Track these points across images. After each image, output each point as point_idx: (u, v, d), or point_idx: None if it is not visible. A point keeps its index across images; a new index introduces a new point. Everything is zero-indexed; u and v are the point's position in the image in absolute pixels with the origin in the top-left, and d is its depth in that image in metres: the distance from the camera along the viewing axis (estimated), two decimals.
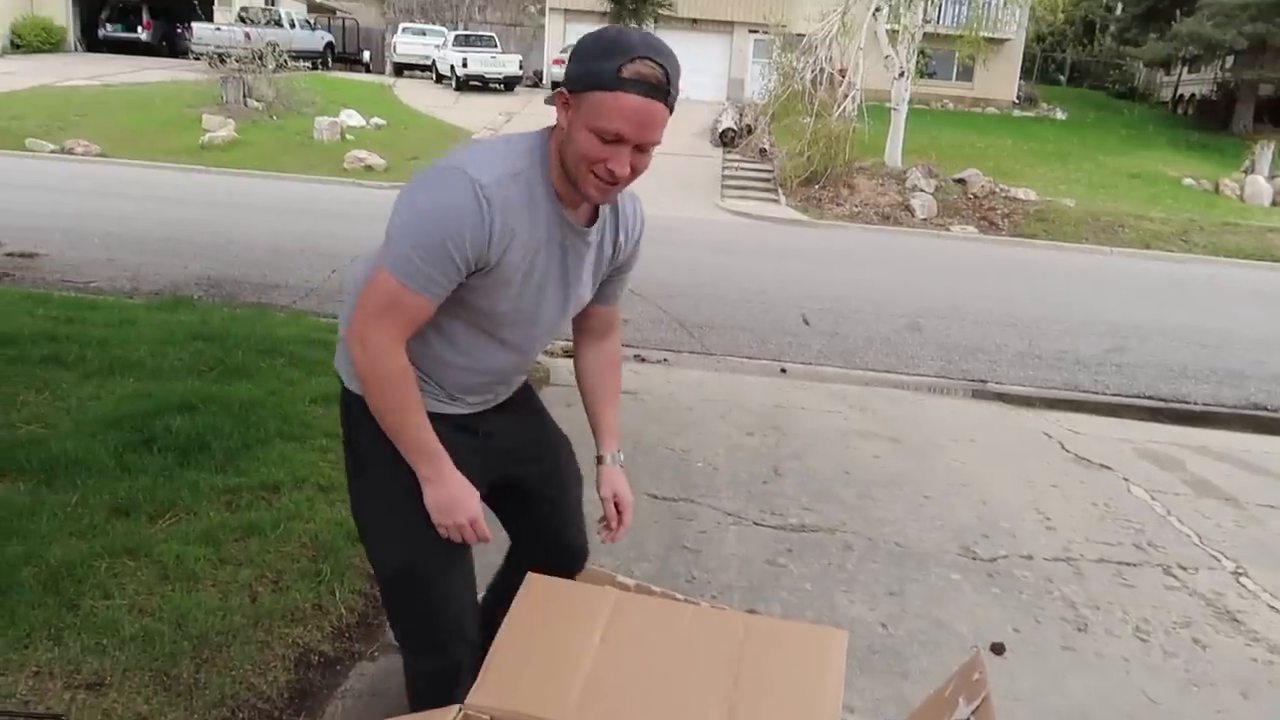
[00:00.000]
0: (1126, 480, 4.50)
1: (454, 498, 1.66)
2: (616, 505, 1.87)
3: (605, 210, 1.67)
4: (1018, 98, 28.22)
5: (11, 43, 26.75)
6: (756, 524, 3.68)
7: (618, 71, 1.41)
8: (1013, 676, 2.78)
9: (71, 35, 28.53)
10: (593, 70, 1.44)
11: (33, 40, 27.05)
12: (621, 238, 1.74)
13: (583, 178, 1.50)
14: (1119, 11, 36.39)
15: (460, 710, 1.42)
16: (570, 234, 1.63)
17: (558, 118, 1.53)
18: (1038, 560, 3.56)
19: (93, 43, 28.78)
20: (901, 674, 2.74)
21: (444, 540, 1.70)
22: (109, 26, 28.71)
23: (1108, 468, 4.65)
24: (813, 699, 1.44)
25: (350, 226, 10.61)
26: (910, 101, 17.83)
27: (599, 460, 1.89)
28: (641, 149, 1.48)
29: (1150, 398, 6.22)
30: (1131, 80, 36.70)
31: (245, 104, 18.87)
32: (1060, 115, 27.19)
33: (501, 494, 1.91)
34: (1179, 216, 15.96)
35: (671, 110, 1.48)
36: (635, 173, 1.51)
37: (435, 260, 1.50)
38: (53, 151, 15.39)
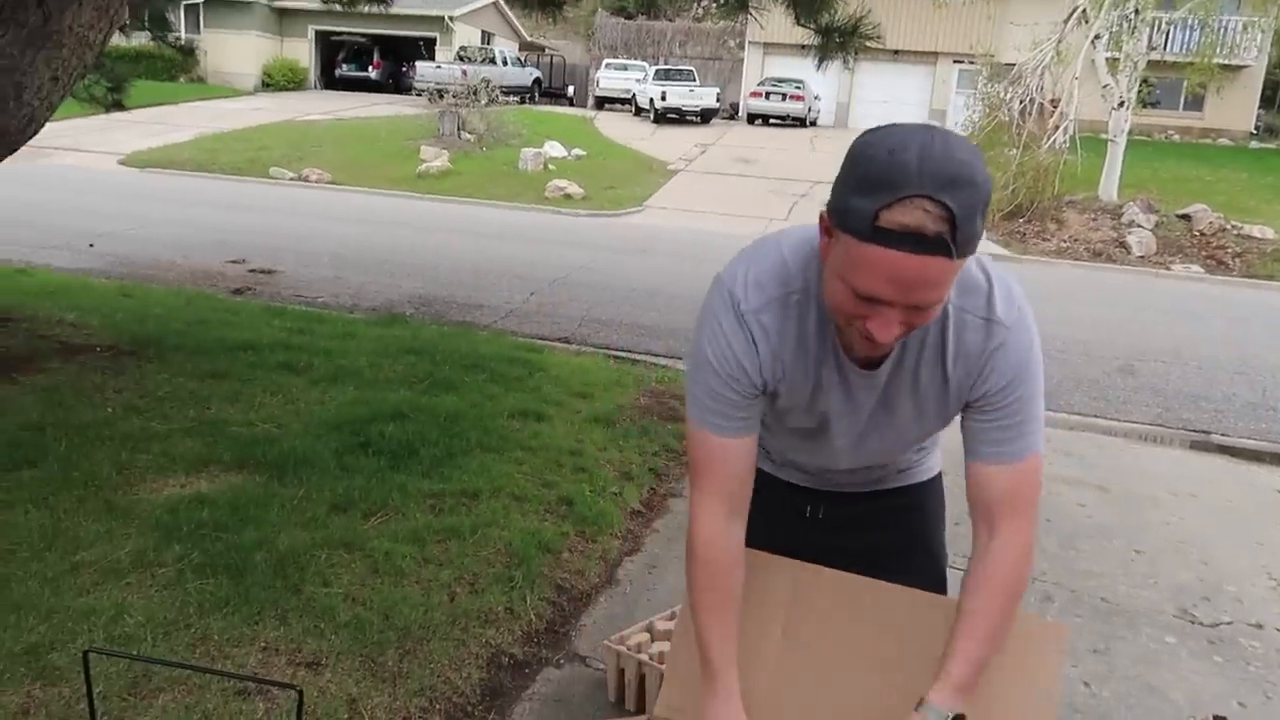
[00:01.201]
0: None
1: None
2: None
3: (915, 340, 1.29)
4: (1256, 128, 25.91)
5: (263, 82, 29.77)
6: (950, 567, 3.53)
7: (874, 218, 1.05)
8: None
9: (312, 75, 31.46)
10: (847, 206, 1.09)
11: (280, 80, 30.02)
12: (955, 370, 1.30)
13: (842, 327, 1.23)
14: None
15: None
16: (849, 369, 1.34)
17: (820, 240, 1.24)
18: (1269, 630, 3.23)
19: (330, 81, 31.63)
20: None
21: None
22: (344, 67, 31.49)
23: None
24: (1026, 696, 1.32)
25: (548, 251, 11.07)
26: (1130, 133, 16.72)
27: (918, 704, 1.29)
28: (918, 308, 1.13)
29: None
30: None
31: (459, 136, 20.08)
32: None
33: None
34: None
35: (964, 255, 1.09)
36: (912, 329, 1.16)
37: (718, 399, 1.34)
38: (291, 179, 16.91)
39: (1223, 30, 18.76)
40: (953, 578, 3.40)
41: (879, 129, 1.11)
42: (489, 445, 4.09)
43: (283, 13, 30.41)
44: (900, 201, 1.04)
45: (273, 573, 2.82)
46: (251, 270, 8.78)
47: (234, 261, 9.09)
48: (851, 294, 1.13)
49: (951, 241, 1.05)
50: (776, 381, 1.34)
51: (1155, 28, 17.49)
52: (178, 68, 26.56)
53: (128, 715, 2.14)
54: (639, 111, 26.55)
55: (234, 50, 29.29)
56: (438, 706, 2.39)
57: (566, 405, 4.85)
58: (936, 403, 1.34)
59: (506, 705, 2.48)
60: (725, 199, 16.33)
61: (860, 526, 1.57)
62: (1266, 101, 27.96)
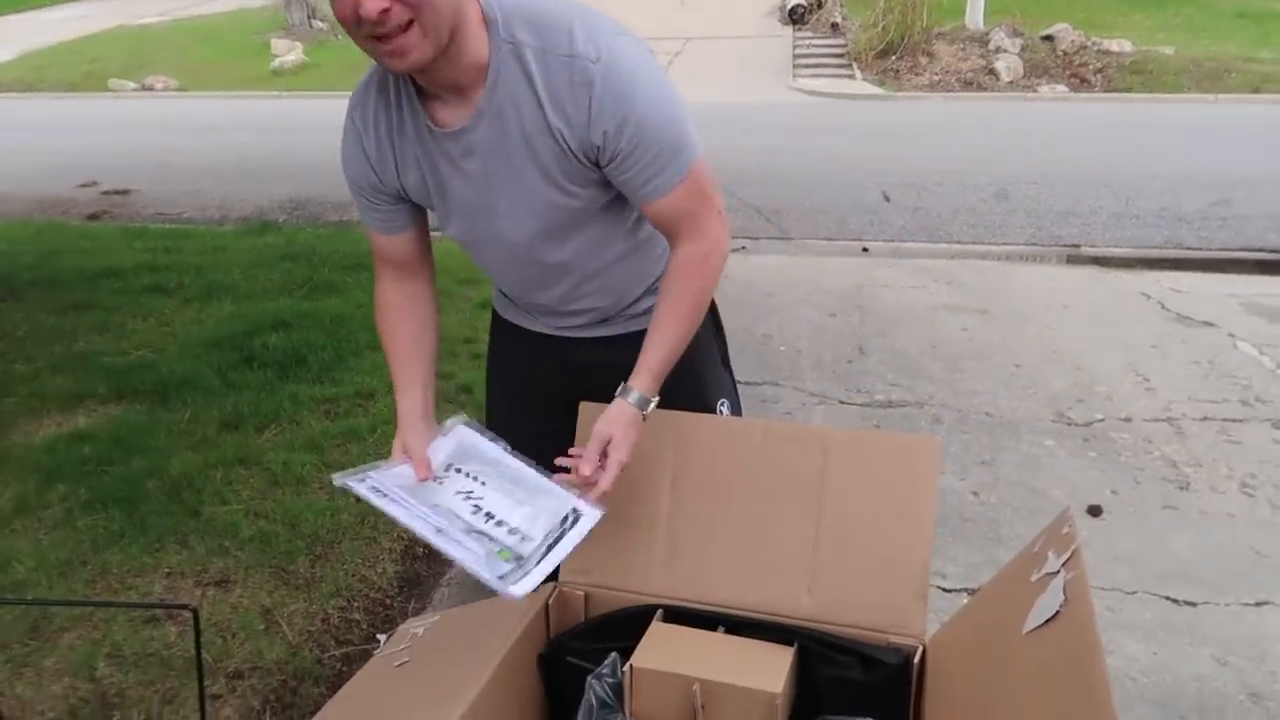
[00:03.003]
0: (1232, 336, 4.31)
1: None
2: (604, 453, 1.28)
3: (506, 96, 1.20)
4: None
5: None
6: (842, 403, 3.67)
7: None
8: (1112, 538, 2.75)
9: None
10: None
11: None
12: (554, 118, 1.20)
13: (365, 50, 1.13)
14: None
15: (555, 588, 1.47)
16: (444, 140, 1.26)
17: None
18: (1136, 422, 3.47)
19: None
20: (995, 539, 2.74)
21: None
22: None
23: (1211, 324, 4.46)
24: (904, 509, 1.37)
25: None
26: None
27: (619, 391, 1.31)
28: None
29: (1260, 250, 5.89)
30: None
31: (310, 25, 18.87)
32: None
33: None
34: None
35: None
36: (409, 5, 1.06)
37: (356, 196, 1.40)
38: (134, 90, 15.76)
39: None
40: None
41: None
42: (379, 344, 3.99)
43: None
44: None
45: (168, 498, 2.75)
46: (105, 192, 8.23)
47: (84, 185, 8.50)
48: None
49: None
50: (393, 172, 1.33)
51: None
52: None
53: (33, 659, 2.09)
54: None
55: None
56: (356, 604, 2.40)
57: (455, 294, 4.75)
58: (560, 162, 1.25)
59: (425, 592, 2.51)
60: None
61: (607, 371, 1.39)
62: None
